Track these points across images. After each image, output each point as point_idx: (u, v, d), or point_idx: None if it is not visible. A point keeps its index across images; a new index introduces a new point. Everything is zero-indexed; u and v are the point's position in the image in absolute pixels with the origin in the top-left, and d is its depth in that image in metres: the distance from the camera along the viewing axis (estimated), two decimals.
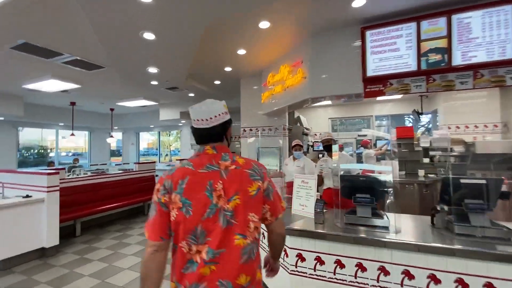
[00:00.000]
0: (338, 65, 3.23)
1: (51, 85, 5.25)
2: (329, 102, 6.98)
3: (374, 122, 6.96)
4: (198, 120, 1.07)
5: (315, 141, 7.02)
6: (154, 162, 6.82)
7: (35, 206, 3.54)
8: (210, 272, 0.92)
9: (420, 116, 5.98)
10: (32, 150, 9.98)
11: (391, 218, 2.00)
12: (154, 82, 5.25)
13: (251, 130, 5.34)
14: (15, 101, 6.59)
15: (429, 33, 2.84)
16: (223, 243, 0.94)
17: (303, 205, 2.42)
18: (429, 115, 6.51)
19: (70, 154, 10.87)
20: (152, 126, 10.39)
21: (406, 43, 2.92)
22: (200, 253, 0.94)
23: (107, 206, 4.99)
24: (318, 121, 7.56)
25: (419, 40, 2.86)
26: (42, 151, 10.13)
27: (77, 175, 6.69)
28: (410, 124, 7.35)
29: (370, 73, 3.06)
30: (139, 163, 6.43)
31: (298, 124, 5.99)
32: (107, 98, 7.32)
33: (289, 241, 2.01)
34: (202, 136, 1.09)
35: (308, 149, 6.29)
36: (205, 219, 0.95)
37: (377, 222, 1.99)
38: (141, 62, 4.09)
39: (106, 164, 9.80)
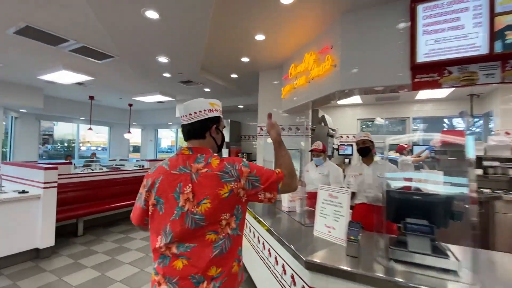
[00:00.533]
0: (377, 50, 2.59)
1: (64, 77, 5.09)
2: (358, 101, 6.23)
3: (411, 124, 6.10)
4: (182, 116, 1.12)
5: (341, 144, 6.30)
6: None
7: (30, 203, 3.27)
8: (183, 266, 0.95)
9: (472, 118, 5.07)
10: (64, 144, 10.29)
11: (461, 256, 1.36)
12: (167, 75, 4.88)
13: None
14: (35, 93, 6.60)
15: (506, 5, 2.13)
16: (194, 239, 0.96)
17: (330, 226, 1.84)
18: (479, 119, 5.54)
19: (97, 148, 11.03)
20: (170, 123, 10.20)
21: (473, 18, 2.22)
22: (171, 249, 0.97)
23: (112, 205, 4.69)
24: (345, 121, 6.81)
25: (492, 14, 2.15)
26: (74, 144, 10.42)
27: (92, 170, 6.56)
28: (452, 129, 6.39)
29: (421, 58, 2.38)
30: (151, 160, 6.13)
31: (323, 124, 5.34)
32: (124, 93, 7.16)
33: (308, 277, 1.45)
34: (184, 132, 1.13)
35: (332, 152, 5.60)
36: (172, 220, 0.97)
37: (440, 262, 1.36)
38: (149, 50, 3.71)
39: (126, 160, 9.80)
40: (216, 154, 1.13)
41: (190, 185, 0.98)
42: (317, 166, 2.98)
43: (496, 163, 4.16)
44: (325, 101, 3.57)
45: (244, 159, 1.20)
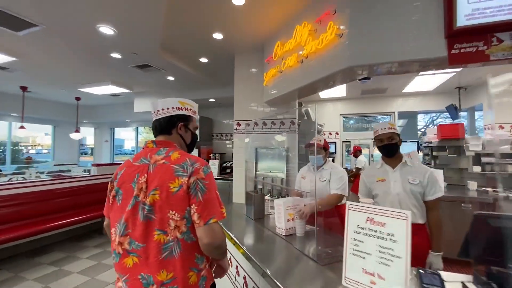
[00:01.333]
0: (400, 12, 1.94)
1: None
2: (342, 94, 5.70)
3: (397, 119, 5.73)
4: (152, 112, 1.18)
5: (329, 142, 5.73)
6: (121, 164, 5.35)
7: None
8: (133, 264, 0.96)
9: (459, 112, 4.79)
10: (2, 147, 8.52)
11: None
12: (116, 55, 3.82)
13: (247, 125, 4.00)
14: None
15: None
16: (144, 237, 0.95)
17: (373, 274, 1.10)
18: (465, 113, 5.34)
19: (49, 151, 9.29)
20: (129, 120, 8.87)
21: None
22: (122, 244, 0.98)
23: (42, 227, 3.52)
24: (326, 117, 6.27)
25: None
26: (16, 148, 8.67)
27: (24, 178, 5.21)
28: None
29: (461, 22, 1.77)
30: (101, 164, 4.96)
31: (306, 118, 4.69)
32: (66, 83, 5.81)
33: None
34: (152, 128, 1.19)
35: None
36: (127, 210, 0.99)
37: None
38: (84, 13, 2.68)
39: (75, 164, 8.29)
40: (180, 149, 1.11)
41: (145, 175, 1.00)
42: (315, 170, 2.25)
43: (492, 159, 3.83)
44: (318, 87, 2.88)
45: (209, 168, 1.06)
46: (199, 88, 5.86)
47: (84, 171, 6.20)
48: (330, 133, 6.22)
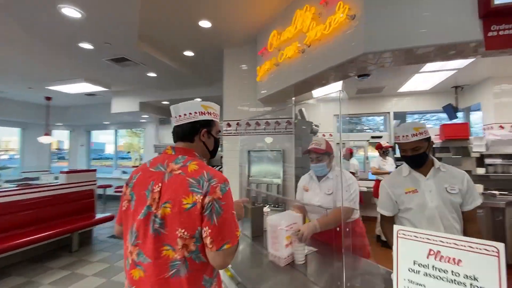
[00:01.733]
0: None
1: None
2: (334, 94, 5.42)
3: (392, 120, 5.54)
4: (173, 117, 1.09)
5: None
6: (95, 171, 4.78)
7: None
8: (139, 278, 0.91)
9: (457, 112, 4.64)
10: None
11: None
12: (88, 45, 3.33)
13: (238, 125, 3.61)
14: None
15: None
16: (153, 251, 0.88)
17: None
18: (460, 113, 5.21)
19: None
20: (107, 122, 8.22)
21: None
22: (132, 254, 0.93)
23: None
24: (318, 118, 5.98)
25: None
26: None
27: None
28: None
29: None
30: (70, 172, 4.37)
31: (299, 118, 4.35)
32: (33, 80, 5.17)
33: None
34: (173, 133, 1.09)
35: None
36: (139, 219, 0.92)
37: None
38: None
39: (46, 171, 7.51)
40: (201, 159, 1.04)
41: (160, 184, 0.94)
42: (319, 179, 1.89)
43: (498, 161, 3.66)
44: (321, 81, 2.54)
45: (227, 185, 0.94)
46: (184, 86, 5.41)
47: (56, 178, 5.55)
48: (324, 135, 5.94)
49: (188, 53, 3.79)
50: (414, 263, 0.84)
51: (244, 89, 3.57)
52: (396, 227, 0.91)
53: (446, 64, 3.55)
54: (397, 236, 0.90)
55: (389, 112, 5.52)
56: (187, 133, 1.05)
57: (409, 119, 7.20)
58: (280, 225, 1.49)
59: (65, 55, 3.69)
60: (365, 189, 4.66)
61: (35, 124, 7.97)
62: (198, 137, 1.06)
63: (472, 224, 1.45)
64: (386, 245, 1.80)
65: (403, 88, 4.91)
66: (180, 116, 1.05)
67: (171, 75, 4.59)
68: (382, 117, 6.41)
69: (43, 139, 6.75)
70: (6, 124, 7.70)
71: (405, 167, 1.58)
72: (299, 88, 2.74)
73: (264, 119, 3.48)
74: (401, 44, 1.67)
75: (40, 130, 7.90)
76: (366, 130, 7.55)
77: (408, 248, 0.87)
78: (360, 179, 5.24)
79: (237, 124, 3.61)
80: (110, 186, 7.61)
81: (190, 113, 1.04)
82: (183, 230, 0.87)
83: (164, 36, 3.30)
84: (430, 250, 0.81)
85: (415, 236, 0.87)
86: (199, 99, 5.78)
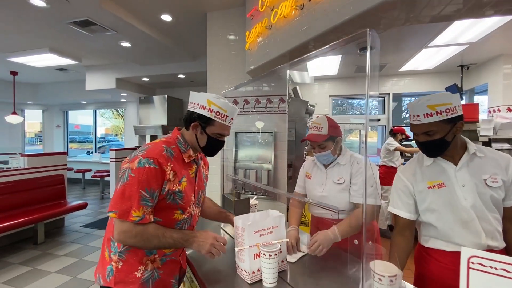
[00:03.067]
0: None
1: None
2: (332, 72, 5.00)
3: (391, 102, 5.19)
4: None
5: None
6: (65, 153, 4.27)
7: None
8: None
9: (462, 94, 4.33)
10: None
11: None
12: (39, 2, 2.74)
13: None
14: None
15: None
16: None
17: None
18: (464, 95, 4.91)
19: None
20: (84, 102, 7.57)
21: None
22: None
23: None
24: (313, 99, 5.58)
25: None
26: None
27: None
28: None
29: None
30: (33, 155, 3.86)
31: (293, 97, 3.94)
32: None
33: None
34: None
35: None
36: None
37: None
38: None
39: (15, 154, 6.89)
40: (182, 145, 1.08)
41: None
42: (326, 166, 1.52)
43: (506, 145, 3.39)
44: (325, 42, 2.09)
45: (142, 159, 0.94)
46: (165, 60, 4.84)
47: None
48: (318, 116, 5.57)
49: (166, 17, 3.23)
50: None
51: (232, 60, 3.10)
52: (466, 252, 0.54)
53: (458, 37, 3.17)
54: (469, 267, 0.53)
55: (388, 94, 5.15)
56: (185, 120, 1.09)
57: (406, 102, 6.90)
58: (246, 228, 1.07)
59: (15, 13, 3.07)
60: None
61: (4, 102, 7.25)
62: (191, 127, 1.06)
63: None
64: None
65: (405, 67, 4.53)
66: (190, 103, 1.08)
67: (149, 46, 4.02)
68: (377, 100, 6.07)
69: (11, 119, 6.09)
70: None
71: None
72: (295, 57, 2.30)
73: (254, 96, 3.05)
74: None
75: (8, 109, 7.21)
76: (356, 114, 7.22)
77: (486, 283, 0.50)
78: None
79: None
80: (89, 170, 7.11)
81: (193, 103, 1.06)
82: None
83: None
84: None
85: (495, 268, 0.50)
86: (182, 76, 5.27)
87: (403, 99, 7.32)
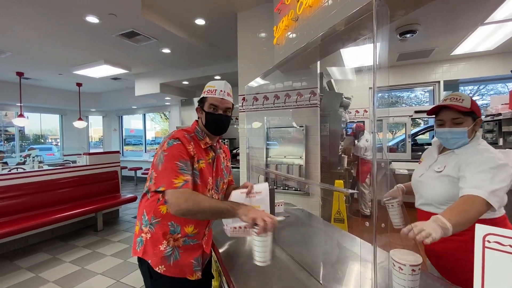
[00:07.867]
0: None
1: None
2: (365, 63, 4.68)
3: (442, 91, 4.67)
4: None
5: (349, 122, 4.81)
6: (118, 152, 4.81)
7: None
8: None
9: None
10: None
11: None
12: (93, 18, 3.14)
13: (256, 100, 3.22)
14: None
15: None
16: None
17: None
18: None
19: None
20: (135, 107, 8.38)
21: None
22: None
23: (24, 226, 3.03)
24: (351, 91, 5.30)
25: None
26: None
27: (24, 169, 4.83)
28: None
29: None
30: (92, 153, 4.43)
31: (327, 89, 3.79)
32: (57, 64, 5.28)
33: None
34: None
35: (342, 135, 3.93)
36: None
37: None
38: None
39: (81, 154, 7.98)
40: (197, 132, 1.20)
41: None
42: (443, 152, 1.24)
43: None
44: (344, 37, 2.00)
45: (169, 141, 1.09)
46: (201, 63, 5.10)
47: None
48: (357, 111, 5.28)
49: (199, 21, 3.42)
50: None
51: (262, 58, 3.14)
52: (481, 229, 0.48)
53: None
54: (484, 246, 0.47)
55: (439, 81, 4.64)
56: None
57: (465, 91, 6.11)
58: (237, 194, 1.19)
59: (75, 31, 3.56)
60: (405, 172, 4.03)
61: (72, 110, 8.43)
62: (197, 114, 1.23)
63: None
64: None
65: (458, 50, 4.03)
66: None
67: (186, 50, 4.30)
68: (426, 90, 5.50)
69: (78, 124, 7.08)
70: (47, 111, 8.25)
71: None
72: (324, 47, 2.23)
73: (284, 90, 3.03)
74: None
75: (76, 116, 8.37)
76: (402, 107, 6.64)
77: (504, 268, 0.45)
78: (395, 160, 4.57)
79: (254, 99, 3.22)
80: (140, 168, 7.86)
81: (204, 92, 1.20)
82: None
83: (169, 2, 2.97)
84: None
85: None
86: (218, 77, 5.48)
87: (460, 86, 6.52)
